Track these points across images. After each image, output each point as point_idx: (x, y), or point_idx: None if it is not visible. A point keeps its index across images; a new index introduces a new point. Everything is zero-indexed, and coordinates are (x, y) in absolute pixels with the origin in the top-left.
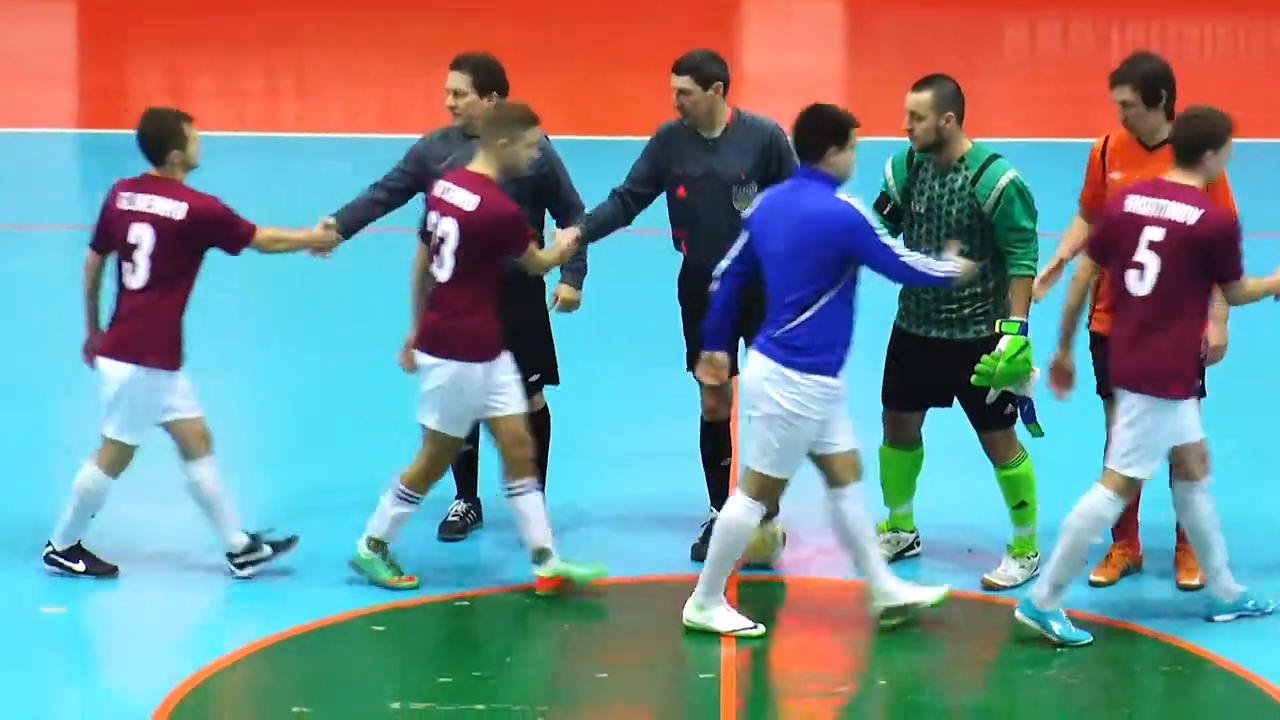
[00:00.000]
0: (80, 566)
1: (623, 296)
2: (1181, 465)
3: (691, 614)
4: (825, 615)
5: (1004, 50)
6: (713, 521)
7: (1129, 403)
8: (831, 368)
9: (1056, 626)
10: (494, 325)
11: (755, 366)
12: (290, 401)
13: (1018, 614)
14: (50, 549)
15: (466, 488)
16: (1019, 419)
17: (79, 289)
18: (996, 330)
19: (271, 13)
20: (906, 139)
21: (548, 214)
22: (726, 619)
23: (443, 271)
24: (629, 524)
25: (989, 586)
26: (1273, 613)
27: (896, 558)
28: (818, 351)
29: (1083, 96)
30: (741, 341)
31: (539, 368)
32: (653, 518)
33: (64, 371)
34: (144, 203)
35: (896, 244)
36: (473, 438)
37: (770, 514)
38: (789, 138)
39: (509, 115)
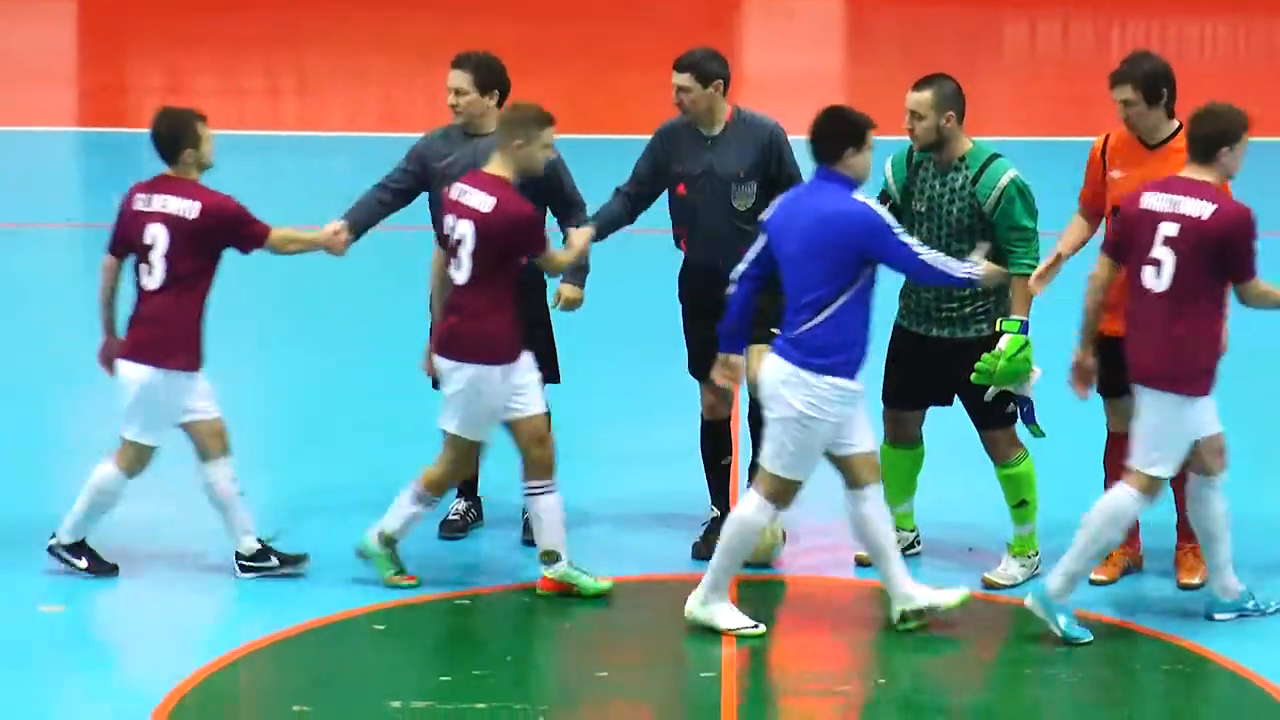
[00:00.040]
0: (82, 563)
1: (623, 296)
2: (1198, 459)
3: (694, 609)
4: (825, 614)
5: (1004, 49)
6: (714, 520)
7: (1148, 400)
8: (848, 369)
9: (1062, 620)
10: (513, 327)
11: (772, 368)
12: (290, 401)
13: (1027, 600)
14: (55, 540)
15: (467, 486)
16: (1019, 418)
17: (79, 288)
18: (997, 329)
19: (272, 12)
20: (907, 138)
21: (549, 212)
22: (728, 617)
23: (460, 274)
24: (629, 523)
25: (989, 585)
26: (1274, 613)
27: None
28: (834, 352)
29: (1083, 95)
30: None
31: (540, 366)
32: (653, 517)
33: (64, 371)
34: (158, 203)
35: (915, 242)
36: None
37: None
38: (806, 135)
39: (524, 116)
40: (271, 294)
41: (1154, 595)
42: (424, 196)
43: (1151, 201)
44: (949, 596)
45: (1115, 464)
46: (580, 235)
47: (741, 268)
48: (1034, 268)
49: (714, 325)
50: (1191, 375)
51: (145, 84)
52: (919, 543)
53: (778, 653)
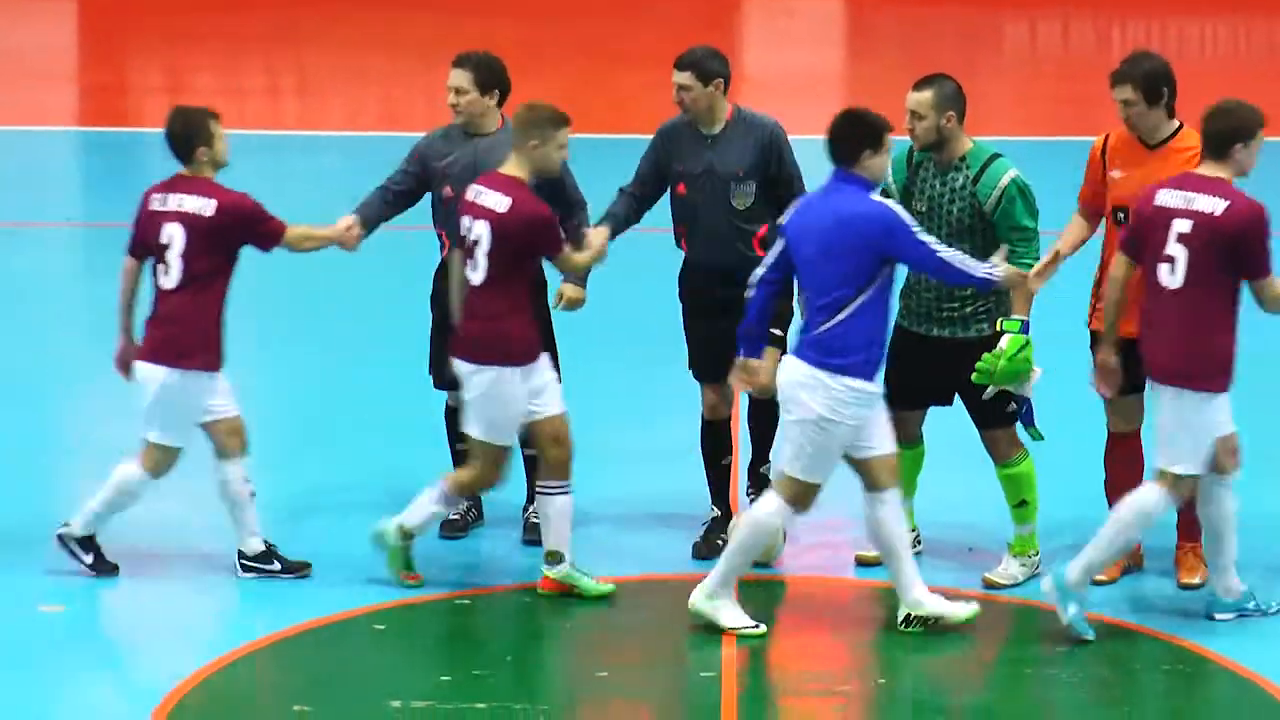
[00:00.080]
0: (88, 559)
1: (623, 295)
2: (1212, 458)
3: (699, 602)
4: (826, 614)
5: (1004, 49)
6: (714, 520)
7: (1166, 397)
8: (866, 369)
9: (1071, 610)
10: (532, 328)
11: (790, 370)
12: (290, 401)
13: (1044, 582)
14: (66, 529)
15: None
16: (1018, 419)
17: (79, 288)
18: (998, 329)
19: (272, 11)
20: (907, 138)
21: None
22: (732, 615)
23: (477, 275)
24: (630, 523)
25: (990, 585)
26: (1275, 613)
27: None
28: (852, 353)
29: (1083, 95)
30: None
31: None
32: (653, 516)
33: (64, 371)
34: (174, 202)
35: (934, 241)
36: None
37: None
38: (825, 137)
39: (539, 116)
40: (271, 294)
41: (1154, 595)
42: (428, 197)
43: (1166, 198)
44: (958, 610)
45: (1116, 464)
46: (598, 235)
47: (760, 272)
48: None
49: (714, 324)
50: (1207, 372)
51: (145, 84)
52: (919, 543)
53: (778, 652)
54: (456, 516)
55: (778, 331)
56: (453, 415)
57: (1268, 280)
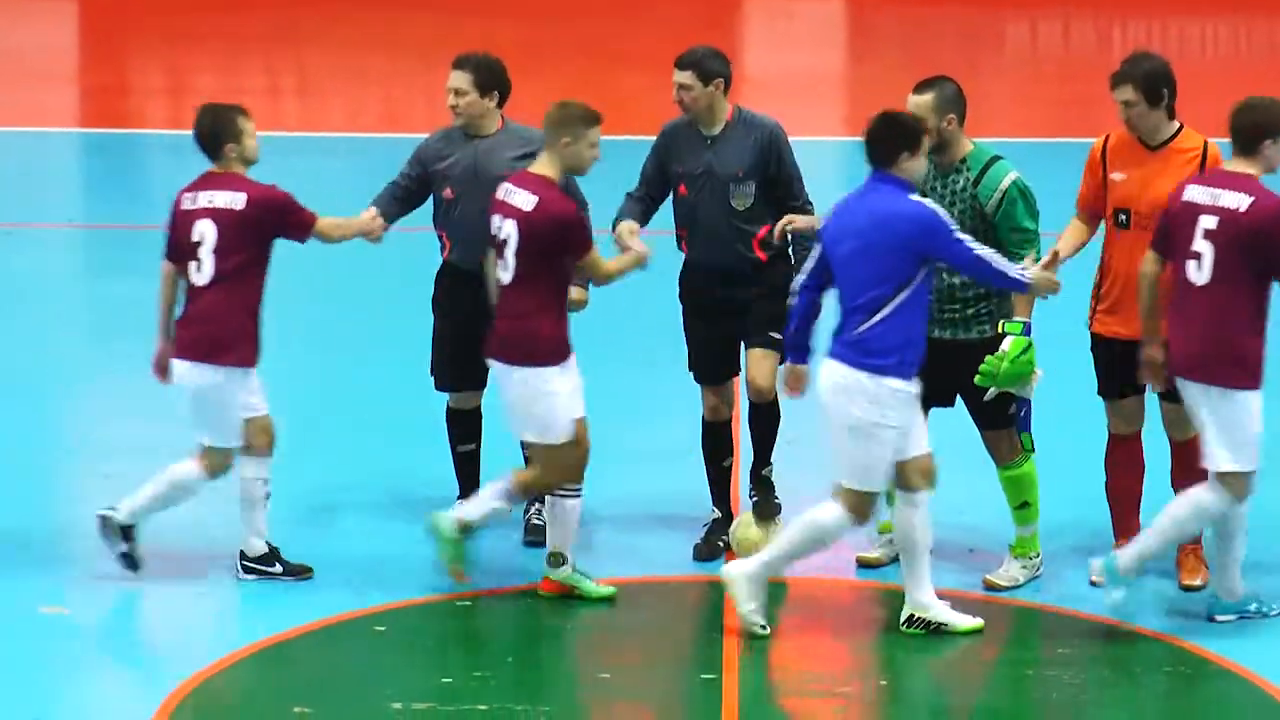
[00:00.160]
0: (122, 547)
1: (623, 296)
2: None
3: (733, 572)
4: (827, 615)
5: (1005, 49)
6: (715, 521)
7: (1196, 394)
8: (904, 369)
9: (1116, 595)
10: (562, 327)
11: (828, 374)
12: (290, 401)
13: (1095, 564)
14: (111, 512)
15: (469, 487)
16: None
17: (79, 289)
18: (999, 331)
19: (272, 11)
20: None
21: None
22: (748, 598)
23: (506, 274)
24: (630, 523)
25: (990, 587)
26: (1276, 615)
27: (898, 557)
28: (890, 353)
29: (1084, 96)
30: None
31: None
32: (654, 517)
33: (64, 371)
34: (205, 199)
35: (970, 240)
36: (474, 436)
37: (775, 515)
38: (862, 139)
39: (571, 114)
40: (271, 294)
41: (1155, 597)
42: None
43: (1193, 194)
44: (963, 621)
45: (1117, 466)
46: (637, 243)
47: (800, 278)
48: None
49: (714, 325)
50: (1233, 368)
51: (146, 84)
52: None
53: (779, 654)
54: None
55: (776, 334)
56: (454, 417)
57: None
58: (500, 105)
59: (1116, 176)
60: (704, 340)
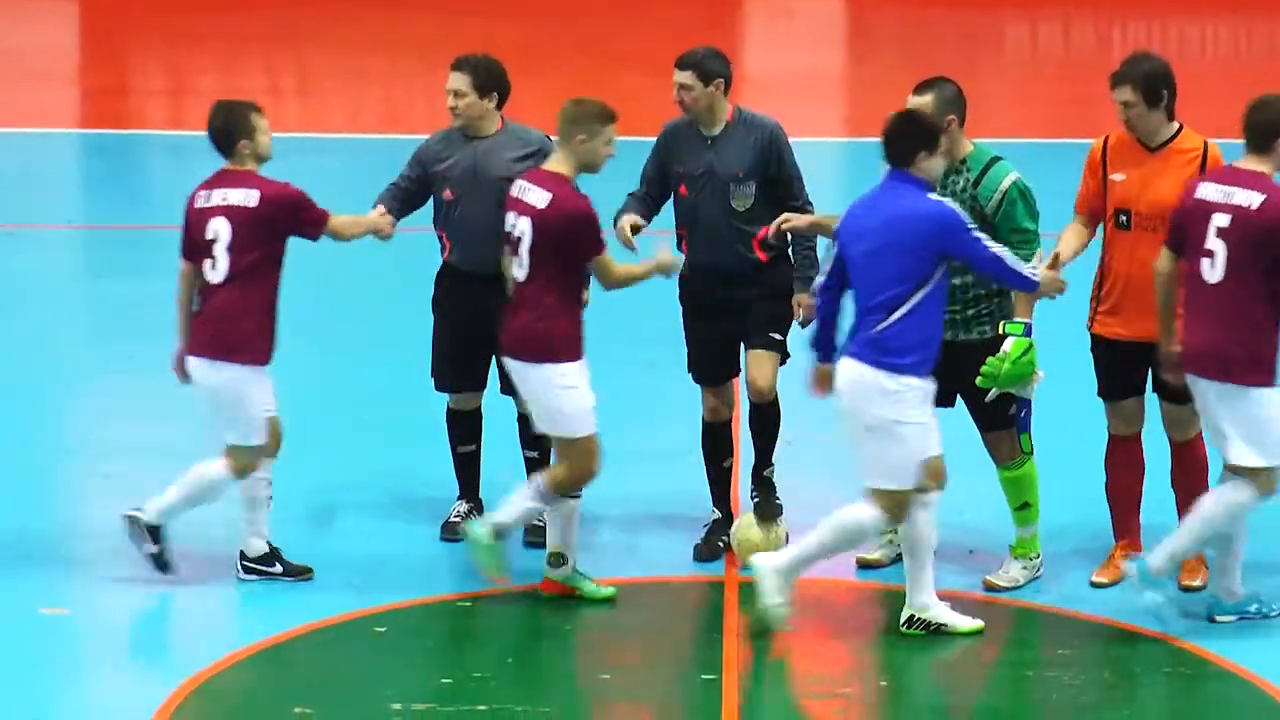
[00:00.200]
0: (154, 547)
1: (623, 296)
2: None
3: (764, 562)
4: (827, 617)
5: (1005, 50)
6: (715, 522)
7: (1211, 393)
8: (922, 368)
9: (1151, 598)
10: (576, 326)
11: (847, 374)
12: (290, 402)
13: (1127, 567)
14: (138, 512)
15: (469, 488)
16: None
17: (79, 289)
18: (1000, 332)
19: (272, 11)
20: None
21: None
22: (775, 594)
23: (521, 271)
24: (630, 524)
25: (991, 588)
26: (1276, 616)
27: (898, 559)
28: (908, 351)
29: (1084, 96)
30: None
31: None
32: (654, 518)
33: (64, 371)
34: (218, 197)
35: (986, 238)
36: (474, 436)
37: (776, 515)
38: (880, 139)
39: (587, 112)
40: None
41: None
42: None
43: (1206, 192)
44: (964, 622)
45: (1117, 467)
46: (665, 250)
47: (820, 280)
48: (1036, 270)
49: (714, 326)
50: (1248, 366)
51: (146, 85)
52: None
53: (779, 654)
54: (458, 519)
55: (777, 335)
56: (454, 417)
57: None
58: (500, 106)
59: (1116, 177)
60: (704, 341)
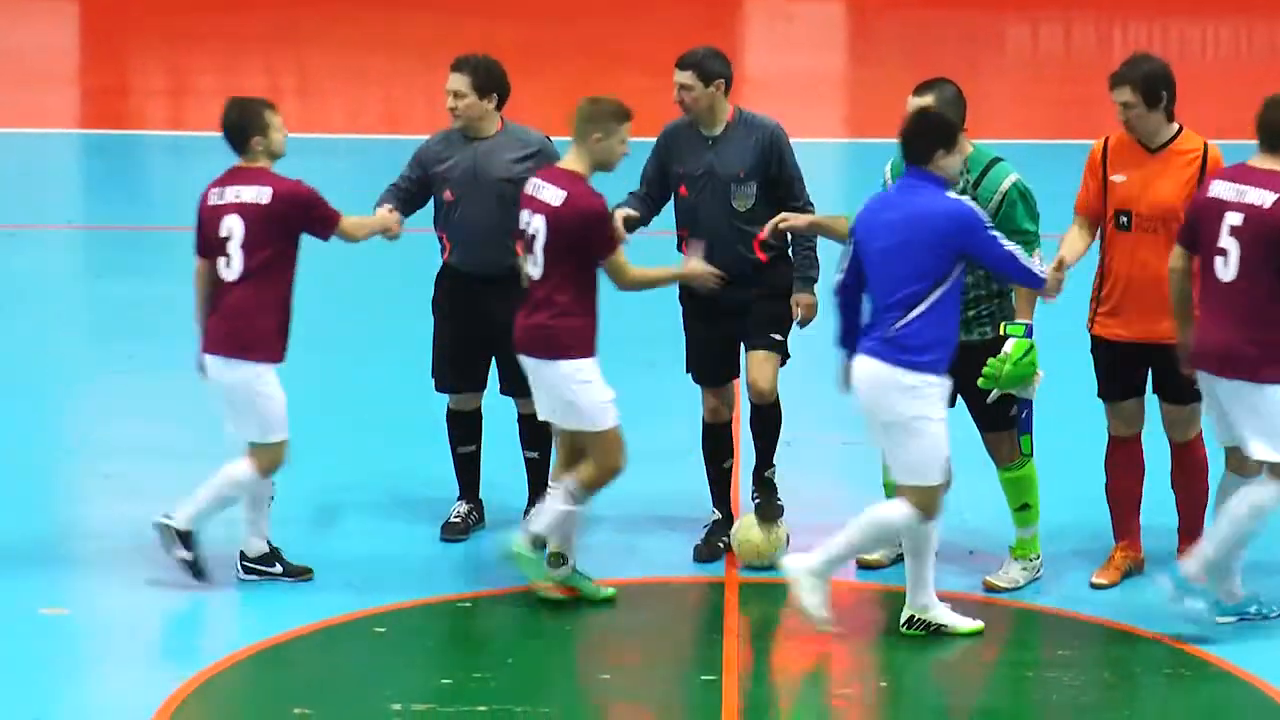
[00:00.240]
0: (188, 554)
1: (623, 296)
2: (1239, 457)
3: (795, 569)
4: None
5: (1006, 51)
6: (715, 522)
7: (1226, 391)
8: (940, 366)
9: (1198, 605)
10: (590, 325)
11: (865, 372)
12: (290, 401)
13: (1164, 581)
14: (167, 518)
15: (469, 488)
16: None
17: (79, 289)
18: (1001, 333)
19: (272, 11)
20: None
21: None
22: (815, 600)
23: (535, 269)
24: (630, 524)
25: (990, 588)
26: (1276, 617)
27: (898, 559)
28: (926, 349)
29: (1085, 97)
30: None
31: None
32: (654, 518)
33: (64, 371)
34: (231, 194)
35: (1001, 236)
36: (474, 437)
37: (777, 516)
38: (898, 138)
39: (603, 110)
40: None
41: (1155, 599)
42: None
43: (1220, 190)
44: (964, 623)
45: (1116, 468)
46: (696, 256)
47: (838, 277)
48: None
49: (714, 327)
50: (1266, 363)
51: (146, 85)
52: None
53: (780, 655)
54: (458, 519)
55: (777, 336)
56: (454, 418)
57: None
58: (499, 107)
59: (1117, 178)
60: (704, 341)
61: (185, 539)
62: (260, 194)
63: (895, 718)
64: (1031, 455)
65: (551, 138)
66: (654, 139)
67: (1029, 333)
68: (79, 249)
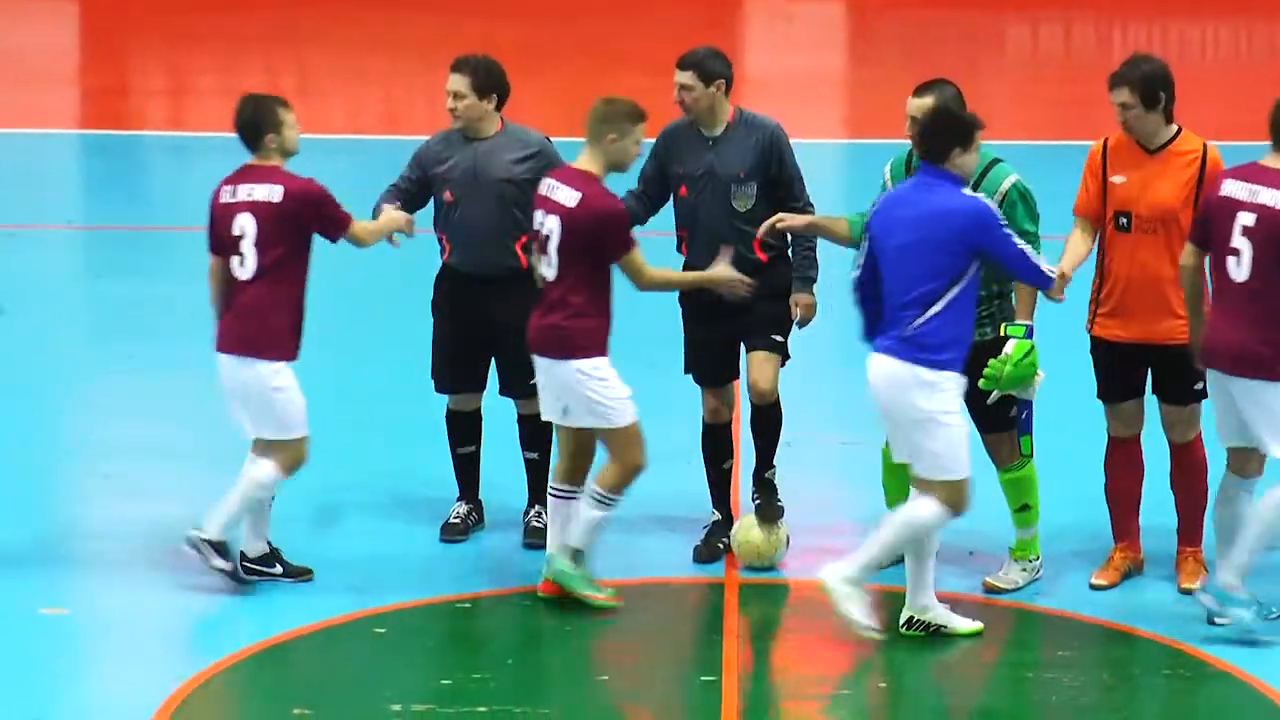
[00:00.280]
0: (226, 564)
1: (623, 297)
2: (1240, 458)
3: (833, 581)
4: (828, 618)
5: (1006, 51)
6: (715, 523)
7: (1239, 391)
8: (957, 364)
9: (1244, 615)
10: (603, 326)
11: (882, 370)
12: None
13: (1203, 599)
14: (198, 531)
15: (469, 489)
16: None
17: (79, 290)
18: (1001, 334)
19: (272, 11)
20: (908, 141)
21: None
22: (859, 608)
23: (550, 271)
24: (630, 525)
25: (990, 589)
26: (1276, 618)
27: (898, 560)
28: (945, 348)
29: (1085, 98)
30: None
31: None
32: (654, 519)
33: (64, 371)
34: (244, 192)
35: (1016, 235)
36: (474, 438)
37: (777, 517)
38: (918, 133)
39: (618, 111)
40: None
41: (1155, 599)
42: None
43: (1232, 189)
44: (963, 624)
45: (1116, 469)
46: (725, 261)
47: (854, 274)
48: None
49: (714, 327)
50: (1278, 361)
51: (146, 86)
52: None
53: (779, 656)
54: (457, 520)
55: (778, 337)
56: (454, 419)
57: None
58: (499, 107)
59: (1116, 179)
60: (704, 342)
61: (220, 549)
62: (272, 192)
63: (895, 718)
64: (1031, 456)
65: (551, 138)
66: (653, 139)
67: (1029, 334)
68: (79, 249)
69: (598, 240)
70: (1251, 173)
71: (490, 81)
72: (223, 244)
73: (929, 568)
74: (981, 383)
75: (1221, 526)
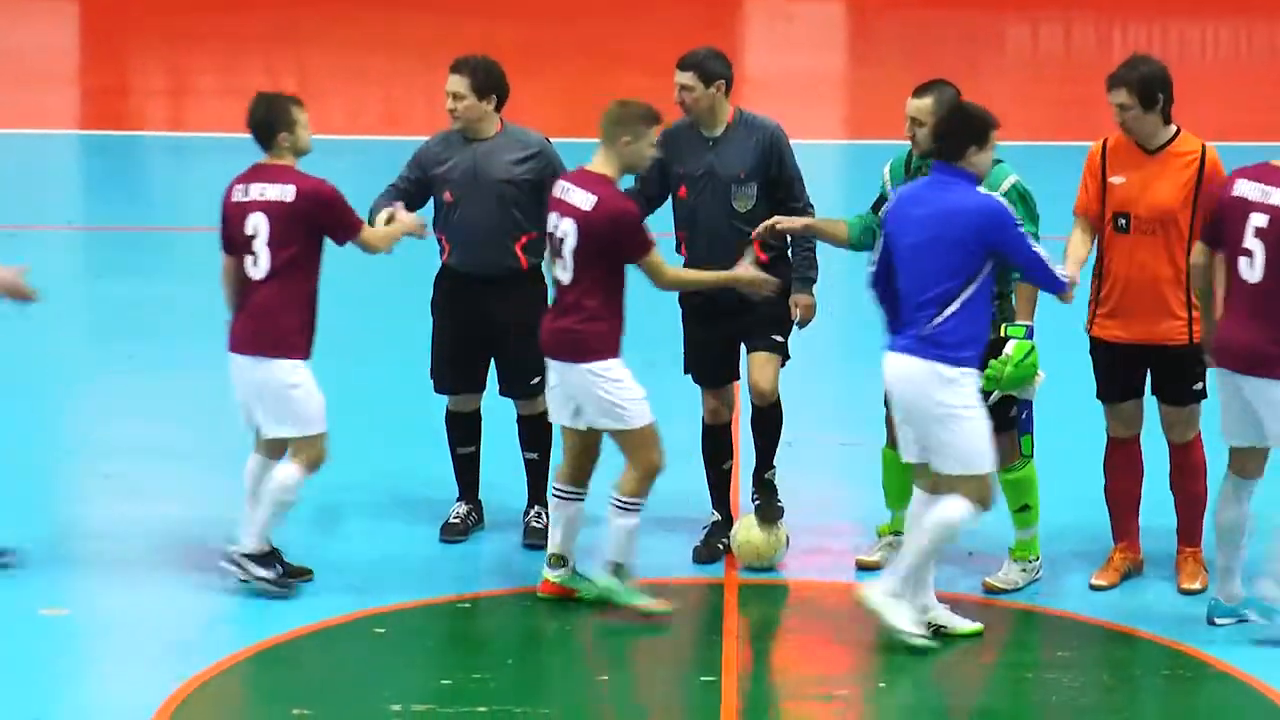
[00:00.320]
0: (269, 574)
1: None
2: (1242, 458)
3: (874, 598)
4: (827, 618)
5: (1006, 51)
6: (714, 524)
7: (1252, 390)
8: (974, 361)
9: (1252, 615)
10: (617, 331)
11: (901, 369)
12: None
13: (1252, 611)
14: (235, 548)
15: (468, 489)
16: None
17: (79, 290)
18: (1002, 334)
19: (272, 11)
20: (908, 142)
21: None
22: (905, 617)
23: (565, 274)
24: None
25: (990, 590)
26: (1275, 619)
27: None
28: (963, 346)
29: (1085, 98)
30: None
31: (540, 370)
32: (654, 519)
33: (64, 371)
34: (256, 191)
35: (1030, 236)
36: (473, 438)
37: (777, 518)
38: (933, 132)
39: (632, 113)
40: None
41: (1154, 600)
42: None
43: (1244, 189)
44: (963, 624)
45: (1116, 470)
46: (744, 264)
47: (871, 270)
48: None
49: (713, 328)
50: None
51: (146, 86)
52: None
53: (779, 656)
54: (457, 520)
55: (778, 337)
56: (453, 419)
57: None
58: (499, 108)
59: (1116, 180)
60: (704, 342)
61: (261, 560)
62: (284, 191)
63: (895, 718)
64: (1031, 456)
65: (551, 138)
66: None
67: (1030, 334)
68: (79, 249)
69: (615, 243)
70: (1264, 173)
71: (490, 82)
72: (236, 244)
73: (930, 568)
74: (982, 383)
75: (1222, 528)
